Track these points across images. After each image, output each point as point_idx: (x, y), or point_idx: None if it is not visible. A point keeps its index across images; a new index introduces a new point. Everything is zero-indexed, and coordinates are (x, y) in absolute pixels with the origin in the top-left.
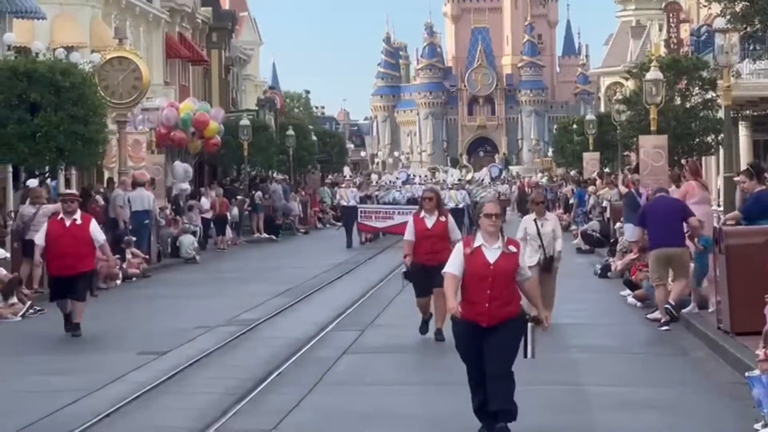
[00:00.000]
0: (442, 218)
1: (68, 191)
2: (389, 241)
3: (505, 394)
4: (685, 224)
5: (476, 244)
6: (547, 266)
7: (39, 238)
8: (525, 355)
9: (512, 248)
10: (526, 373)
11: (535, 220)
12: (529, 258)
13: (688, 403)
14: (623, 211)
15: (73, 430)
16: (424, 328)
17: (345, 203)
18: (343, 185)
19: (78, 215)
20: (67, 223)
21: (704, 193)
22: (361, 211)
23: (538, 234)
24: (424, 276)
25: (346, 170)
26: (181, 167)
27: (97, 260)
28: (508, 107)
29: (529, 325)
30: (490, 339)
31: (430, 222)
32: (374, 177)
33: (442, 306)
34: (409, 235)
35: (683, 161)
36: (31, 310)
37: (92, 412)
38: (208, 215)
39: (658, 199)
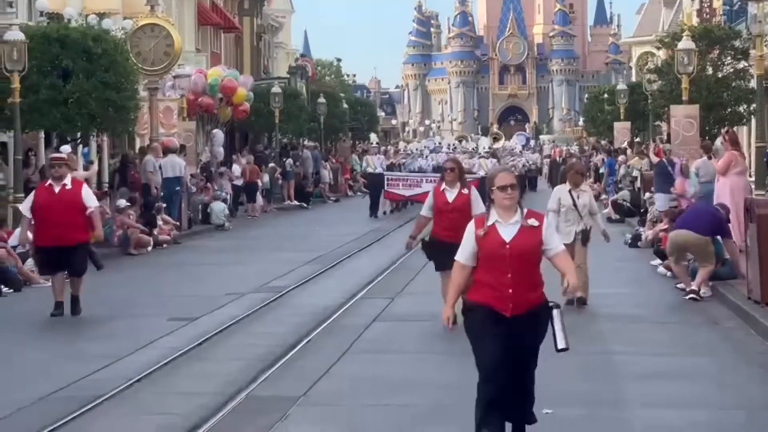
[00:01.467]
0: (465, 191)
1: (56, 154)
2: (417, 210)
3: (530, 406)
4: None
5: (490, 222)
6: (585, 238)
7: (24, 207)
8: (556, 348)
9: (533, 221)
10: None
11: (570, 191)
12: (567, 233)
13: (718, 373)
14: (654, 180)
15: (102, 395)
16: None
17: (372, 170)
18: (370, 152)
19: (68, 180)
20: (57, 189)
21: (744, 163)
22: (387, 179)
23: (575, 205)
24: (445, 252)
25: (373, 137)
26: (220, 134)
27: (129, 227)
28: (539, 76)
29: (555, 311)
30: (516, 339)
31: (451, 195)
32: (402, 145)
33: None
34: (426, 209)
35: (723, 131)
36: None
37: (122, 377)
38: (239, 182)
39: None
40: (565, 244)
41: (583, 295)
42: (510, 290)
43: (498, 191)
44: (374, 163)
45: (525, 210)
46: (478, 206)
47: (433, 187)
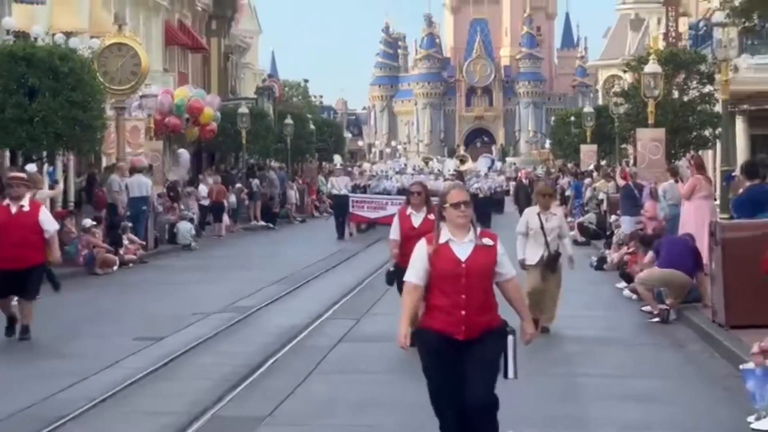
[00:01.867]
0: (431, 216)
1: (14, 174)
2: (384, 232)
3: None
4: None
5: (443, 240)
6: (551, 264)
7: None
8: (505, 375)
9: (488, 241)
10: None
11: (538, 214)
12: (531, 255)
13: (682, 396)
14: (620, 203)
15: (66, 415)
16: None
17: (336, 192)
18: (335, 174)
19: (26, 201)
20: (13, 210)
21: (710, 187)
22: (352, 200)
23: (542, 228)
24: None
25: (337, 158)
26: (186, 154)
27: (95, 246)
28: (506, 98)
29: (510, 338)
30: (469, 359)
31: (417, 220)
32: (366, 166)
33: None
34: (394, 233)
35: (688, 155)
36: None
37: (86, 397)
38: (206, 202)
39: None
40: (532, 266)
41: (547, 323)
42: (463, 312)
43: (451, 208)
44: (339, 185)
45: (478, 229)
46: None
47: (399, 210)
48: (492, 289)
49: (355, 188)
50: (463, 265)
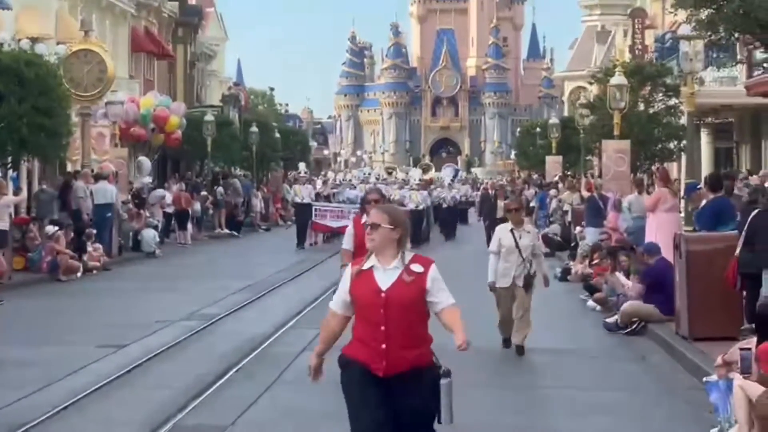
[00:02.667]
0: None
1: None
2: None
3: None
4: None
5: (367, 265)
6: (528, 284)
7: None
8: (439, 420)
9: (417, 267)
10: (483, 375)
11: (512, 231)
12: (503, 277)
13: (645, 408)
14: (585, 214)
15: (29, 422)
16: None
17: (299, 200)
18: (299, 182)
19: None
20: None
21: (674, 200)
22: (315, 209)
23: (517, 246)
24: None
25: (302, 166)
26: (147, 163)
27: (59, 252)
28: (471, 109)
29: (443, 381)
30: (397, 402)
31: None
32: (330, 174)
33: None
34: (347, 243)
35: (654, 168)
36: None
37: (49, 404)
38: (170, 210)
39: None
40: (504, 288)
41: (522, 343)
42: (383, 346)
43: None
44: (302, 193)
45: (409, 254)
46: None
47: (353, 219)
48: (423, 322)
49: (318, 197)
50: (383, 295)
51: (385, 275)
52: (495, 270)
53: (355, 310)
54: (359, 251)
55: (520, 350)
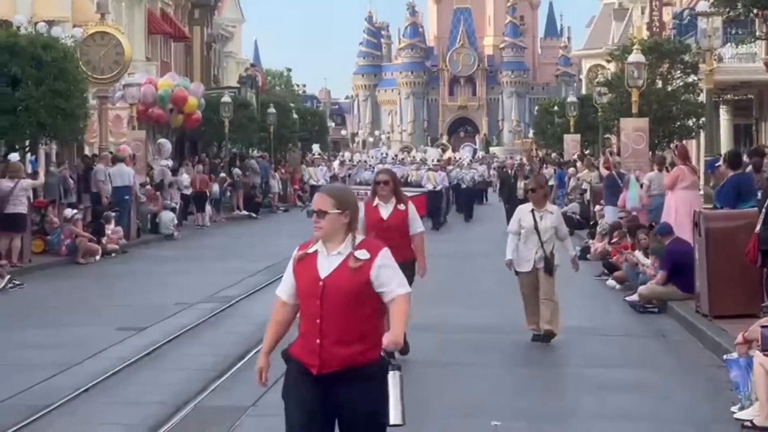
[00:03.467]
0: (401, 206)
1: None
2: None
3: None
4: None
5: (312, 249)
6: (548, 267)
7: None
8: (388, 421)
9: (362, 254)
10: (503, 355)
11: (532, 211)
12: (525, 260)
13: (666, 386)
14: (603, 193)
15: (51, 404)
16: None
17: (314, 182)
18: (314, 164)
19: None
20: None
21: (693, 177)
22: None
23: (536, 228)
24: None
25: (315, 148)
26: (168, 144)
27: (77, 235)
28: (489, 88)
29: (392, 374)
30: (335, 405)
31: (385, 211)
32: (347, 155)
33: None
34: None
35: (672, 146)
36: (10, 284)
37: (70, 386)
38: (188, 192)
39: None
40: (524, 272)
41: (551, 328)
42: (318, 341)
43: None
44: (317, 175)
45: (358, 238)
46: (416, 224)
47: (365, 203)
48: (371, 317)
49: (333, 178)
50: (321, 284)
51: (327, 262)
52: (514, 249)
53: (300, 299)
54: (373, 235)
55: (549, 334)
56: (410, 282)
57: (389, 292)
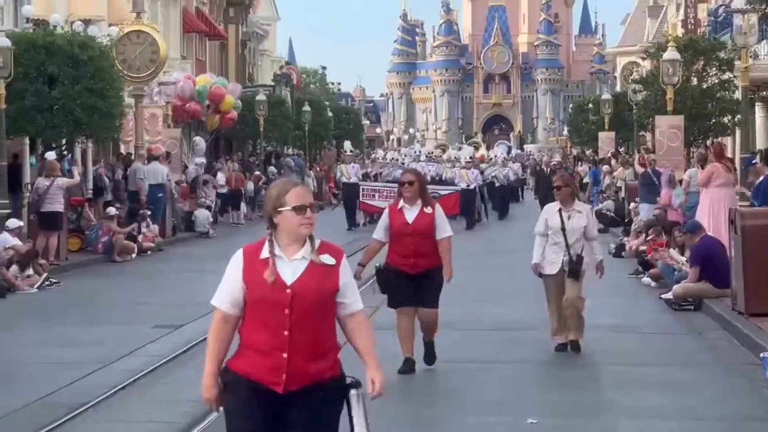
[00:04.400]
0: (427, 209)
1: None
2: None
3: None
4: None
5: (264, 254)
6: (573, 271)
7: None
8: None
9: (327, 259)
10: (536, 351)
11: (560, 211)
12: (551, 262)
13: (701, 383)
14: (639, 190)
15: (88, 402)
16: (407, 367)
17: (346, 180)
18: (346, 161)
19: None
20: None
21: (728, 175)
22: (363, 189)
23: (563, 229)
24: (402, 285)
25: (347, 145)
26: (202, 143)
27: (115, 233)
28: (523, 85)
29: (353, 393)
30: (294, 425)
31: (410, 215)
32: (380, 153)
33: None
34: (378, 232)
35: (708, 143)
36: (47, 282)
37: (107, 384)
38: (224, 190)
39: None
40: (550, 275)
41: (577, 338)
42: (285, 355)
43: (292, 213)
44: (349, 173)
45: (317, 241)
46: (443, 228)
47: (389, 206)
48: (332, 327)
49: (366, 176)
50: (288, 291)
51: (290, 266)
52: (541, 252)
53: (249, 308)
54: (397, 239)
55: (575, 346)
56: (439, 291)
57: (350, 304)
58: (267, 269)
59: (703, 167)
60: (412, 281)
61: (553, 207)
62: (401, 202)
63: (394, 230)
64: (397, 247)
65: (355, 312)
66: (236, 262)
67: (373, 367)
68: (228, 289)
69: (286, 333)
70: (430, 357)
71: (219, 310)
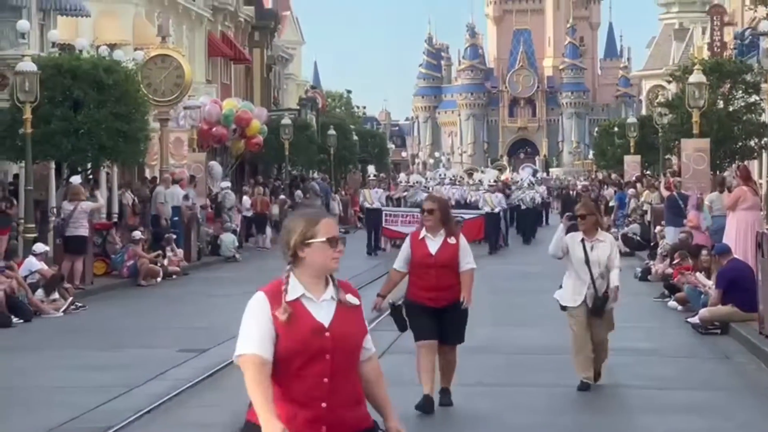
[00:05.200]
0: (451, 240)
1: None
2: None
3: None
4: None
5: (292, 296)
6: (597, 309)
7: None
8: None
9: (352, 299)
10: (563, 374)
11: (582, 241)
12: (572, 297)
13: (729, 407)
14: (664, 214)
15: (112, 426)
16: (425, 405)
17: (368, 205)
18: (368, 185)
19: None
20: None
21: (755, 198)
22: (386, 214)
23: (586, 261)
24: (424, 318)
25: (371, 169)
26: (218, 168)
27: (140, 257)
28: (549, 109)
29: None
30: None
31: (433, 245)
32: (402, 177)
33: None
34: (399, 262)
35: (734, 166)
36: (72, 306)
37: (132, 408)
38: (248, 213)
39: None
40: (574, 307)
41: (599, 369)
42: (324, 404)
43: (324, 246)
44: (371, 198)
45: (335, 280)
46: (466, 260)
47: (410, 235)
48: (358, 373)
49: (389, 200)
50: (328, 335)
51: (321, 309)
52: (565, 288)
53: (278, 358)
54: (419, 271)
55: (597, 375)
56: (464, 326)
57: (368, 348)
58: (299, 312)
59: (721, 191)
60: (435, 315)
61: (575, 237)
62: (423, 232)
63: (416, 261)
64: (419, 280)
65: (372, 356)
66: (261, 306)
67: (395, 417)
68: (259, 335)
69: (326, 380)
70: (446, 404)
71: (254, 356)
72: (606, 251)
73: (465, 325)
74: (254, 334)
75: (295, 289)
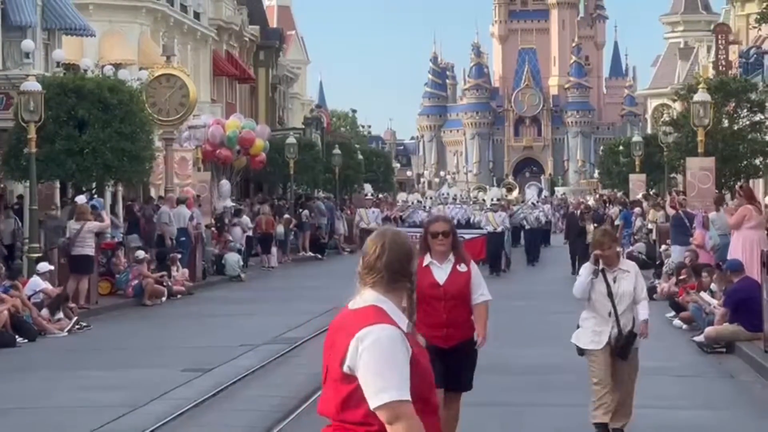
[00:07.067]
0: (461, 267)
1: None
2: None
3: None
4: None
5: (404, 324)
6: (623, 350)
7: None
8: None
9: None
10: (569, 393)
11: (603, 271)
12: (596, 335)
13: (734, 426)
14: (670, 232)
15: None
16: None
17: (365, 225)
18: (365, 205)
19: None
20: None
21: (760, 217)
22: None
23: (609, 294)
24: (435, 362)
25: (367, 188)
26: (227, 185)
27: (145, 277)
28: (554, 128)
29: None
30: None
31: (440, 274)
32: (401, 196)
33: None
34: None
35: (737, 186)
36: (77, 326)
37: (136, 428)
38: (251, 233)
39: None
40: (594, 351)
41: (625, 423)
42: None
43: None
44: (368, 218)
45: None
46: (480, 290)
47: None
48: None
49: (386, 220)
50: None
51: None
52: (584, 327)
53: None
54: (424, 304)
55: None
56: (474, 369)
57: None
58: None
59: (717, 210)
60: (444, 357)
61: (593, 269)
62: (427, 258)
63: (421, 293)
64: (424, 315)
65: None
66: (401, 343)
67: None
68: (406, 374)
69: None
70: None
71: (408, 403)
72: (631, 283)
73: (474, 368)
74: (404, 375)
75: (402, 320)
